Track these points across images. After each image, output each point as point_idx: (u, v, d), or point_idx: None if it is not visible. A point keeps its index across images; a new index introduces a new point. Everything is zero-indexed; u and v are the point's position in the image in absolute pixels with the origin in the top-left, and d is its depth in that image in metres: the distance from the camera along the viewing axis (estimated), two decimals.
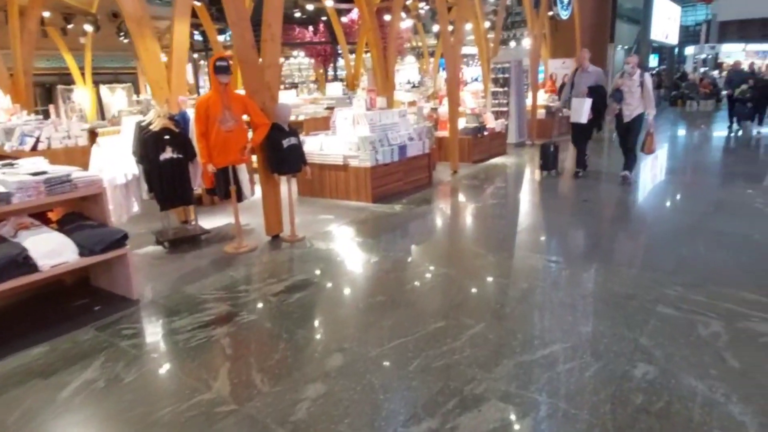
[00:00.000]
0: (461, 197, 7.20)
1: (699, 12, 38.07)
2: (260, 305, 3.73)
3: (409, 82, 22.31)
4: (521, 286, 3.86)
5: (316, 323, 3.46)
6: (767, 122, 12.73)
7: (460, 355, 2.90)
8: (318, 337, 3.27)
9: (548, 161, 8.06)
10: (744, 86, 11.92)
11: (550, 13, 14.21)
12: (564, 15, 14.08)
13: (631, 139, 7.18)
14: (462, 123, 9.75)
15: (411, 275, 4.22)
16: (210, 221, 5.91)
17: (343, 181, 6.89)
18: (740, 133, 12.07)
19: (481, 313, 3.43)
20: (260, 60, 4.95)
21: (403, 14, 17.79)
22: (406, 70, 26.97)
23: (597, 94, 7.44)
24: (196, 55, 18.79)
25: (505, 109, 11.47)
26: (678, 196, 6.76)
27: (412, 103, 12.02)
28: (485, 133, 9.80)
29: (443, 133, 9.26)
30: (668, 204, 6.39)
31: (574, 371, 2.70)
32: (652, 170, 8.40)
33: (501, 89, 11.49)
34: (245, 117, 4.96)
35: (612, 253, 4.66)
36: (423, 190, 7.36)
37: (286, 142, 5.03)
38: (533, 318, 3.33)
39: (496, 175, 8.53)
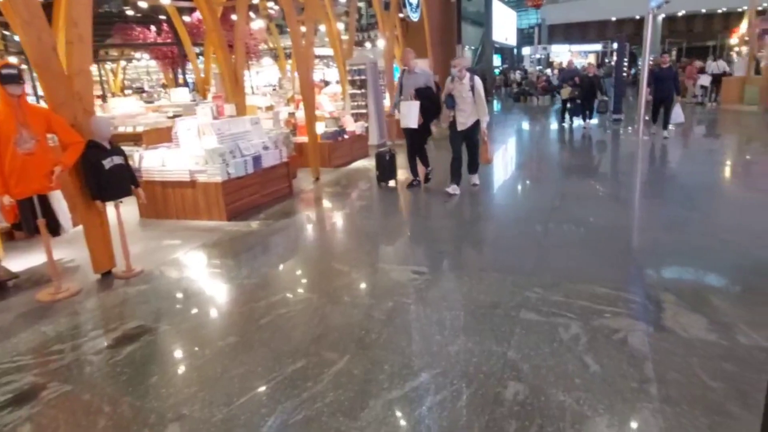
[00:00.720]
0: (323, 207, 6.86)
1: (531, 16, 42.10)
2: (78, 370, 3.01)
3: (267, 85, 21.48)
4: (386, 305, 3.61)
5: (149, 385, 2.85)
6: (604, 116, 13.72)
7: (322, 403, 2.54)
8: (150, 404, 2.68)
9: (384, 172, 7.47)
10: (568, 88, 12.68)
11: (401, 15, 14.49)
12: (414, 17, 14.42)
13: (471, 150, 6.75)
14: (321, 127, 9.43)
15: (267, 306, 3.76)
16: (23, 261, 4.88)
17: (192, 200, 6.16)
18: (574, 125, 13.10)
19: (345, 343, 3.11)
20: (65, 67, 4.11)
21: (253, 14, 17.00)
22: (266, 72, 26.02)
23: (426, 96, 6.76)
24: None
25: (364, 111, 11.38)
26: (527, 193, 7.08)
27: (269, 108, 11.43)
28: (345, 136, 9.59)
29: (303, 138, 8.85)
30: (519, 202, 6.67)
31: (446, 403, 2.48)
32: (497, 168, 8.79)
33: (359, 91, 11.38)
34: (51, 135, 4.10)
35: (473, 258, 4.64)
36: (283, 201, 6.88)
37: (108, 163, 4.25)
38: (400, 343, 3.08)
39: (358, 179, 8.33)
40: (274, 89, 18.65)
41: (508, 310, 3.38)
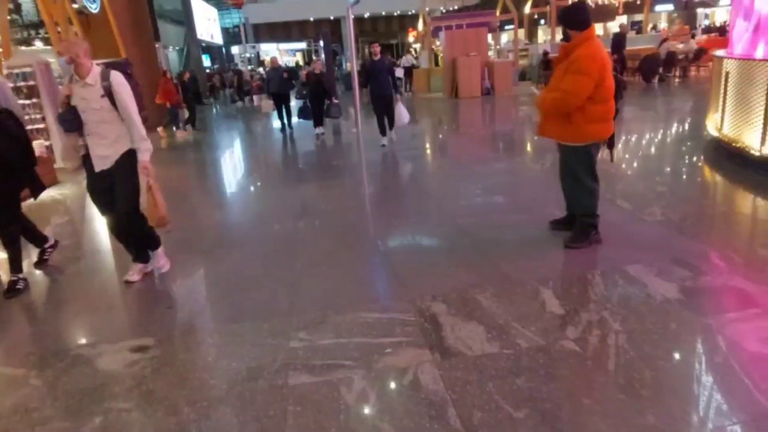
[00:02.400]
0: None
1: (234, 15, 41.28)
2: None
3: None
4: (88, 421, 2.40)
5: None
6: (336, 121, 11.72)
7: None
8: None
9: None
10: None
11: (75, 5, 11.94)
12: (93, 8, 12.04)
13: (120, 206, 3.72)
14: None
15: None
16: None
17: None
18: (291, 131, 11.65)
19: None
20: None
21: None
22: None
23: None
24: None
25: (41, 126, 8.87)
26: (259, 209, 6.34)
27: None
28: None
29: None
30: (252, 219, 5.89)
31: None
32: (200, 199, 7.85)
33: (28, 101, 8.79)
34: None
35: (216, 307, 3.65)
36: None
37: None
38: None
39: (47, 220, 6.29)
40: None
41: (272, 379, 2.57)
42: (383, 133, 8.65)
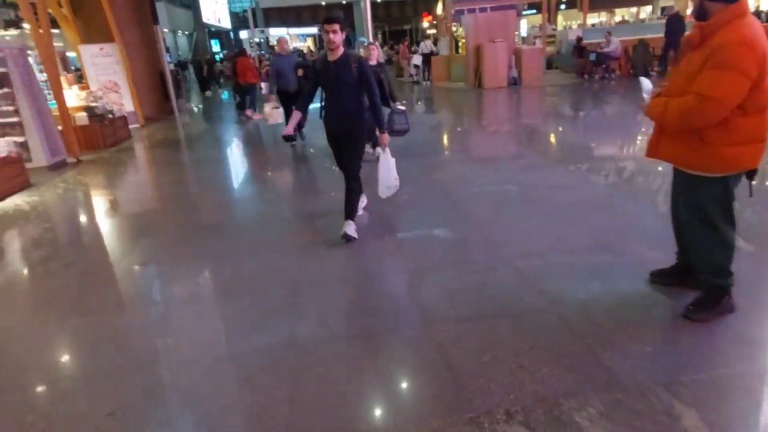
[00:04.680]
0: None
1: (245, 0, 39.93)
2: None
3: None
4: None
5: None
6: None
7: None
8: None
9: None
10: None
11: None
12: None
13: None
14: None
15: None
16: None
17: None
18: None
19: None
20: None
21: None
22: None
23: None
24: None
25: (14, 119, 7.76)
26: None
27: None
28: None
29: None
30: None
31: None
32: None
33: None
34: None
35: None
36: None
37: None
38: None
39: None
40: None
41: None
42: (348, 214, 4.17)
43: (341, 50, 3.84)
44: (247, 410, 2.32)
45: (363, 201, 4.72)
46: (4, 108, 7.63)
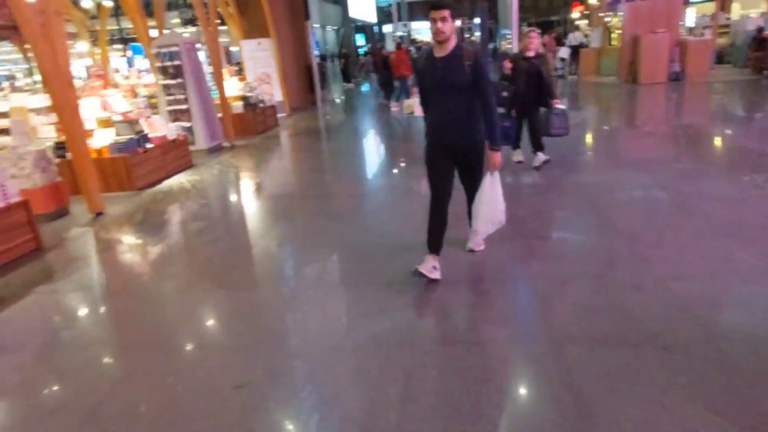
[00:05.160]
0: (89, 274, 4.33)
1: None
2: None
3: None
4: None
5: None
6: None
7: None
8: None
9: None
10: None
11: None
12: None
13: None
14: (110, 135, 6.78)
15: None
16: None
17: None
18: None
19: None
20: None
21: None
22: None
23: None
24: None
25: (184, 106, 8.76)
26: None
27: (52, 109, 8.31)
28: (148, 145, 7.00)
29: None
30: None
31: None
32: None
33: (174, 81, 8.71)
34: None
35: None
36: (20, 267, 4.30)
37: None
38: None
39: (165, 210, 5.89)
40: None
41: None
42: (432, 247, 3.42)
43: (452, 43, 3.08)
44: (360, 404, 2.30)
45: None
46: (178, 96, 8.64)
